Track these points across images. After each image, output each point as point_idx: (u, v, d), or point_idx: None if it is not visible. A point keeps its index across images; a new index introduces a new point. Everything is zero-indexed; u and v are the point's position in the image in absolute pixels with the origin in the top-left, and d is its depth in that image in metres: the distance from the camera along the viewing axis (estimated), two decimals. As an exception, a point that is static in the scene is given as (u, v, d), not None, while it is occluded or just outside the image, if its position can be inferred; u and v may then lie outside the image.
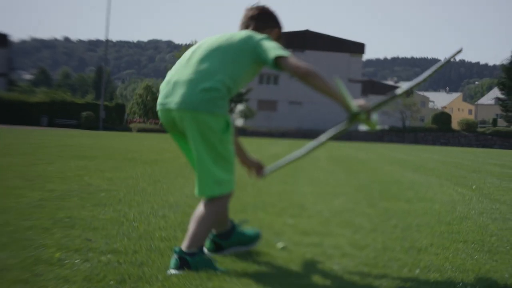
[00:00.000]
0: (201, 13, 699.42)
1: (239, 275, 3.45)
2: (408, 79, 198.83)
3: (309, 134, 58.94)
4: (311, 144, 4.09)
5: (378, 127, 4.11)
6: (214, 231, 4.03)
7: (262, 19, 3.94)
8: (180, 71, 3.68)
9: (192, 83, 3.56)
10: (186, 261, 3.46)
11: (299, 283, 3.41)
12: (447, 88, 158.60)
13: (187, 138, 3.66)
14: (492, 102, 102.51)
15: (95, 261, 3.59)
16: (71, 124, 56.23)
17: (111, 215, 5.29)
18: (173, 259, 3.50)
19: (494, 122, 69.67)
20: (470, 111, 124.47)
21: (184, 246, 3.55)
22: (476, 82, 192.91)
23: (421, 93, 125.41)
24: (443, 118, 64.22)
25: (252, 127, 61.06)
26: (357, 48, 71.27)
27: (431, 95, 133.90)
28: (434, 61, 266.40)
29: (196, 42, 63.26)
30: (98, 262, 3.57)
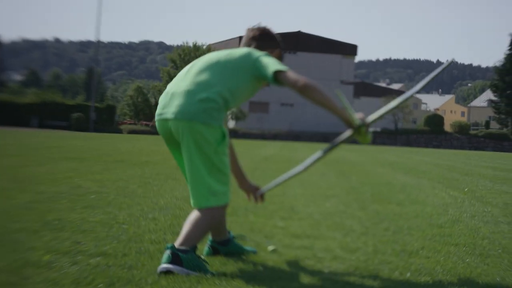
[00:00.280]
0: (193, 14, 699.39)
1: (229, 278, 3.43)
2: (400, 80, 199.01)
3: (301, 135, 58.99)
4: (308, 160, 4.10)
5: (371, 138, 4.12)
6: (212, 237, 4.06)
7: (263, 40, 4.01)
8: (178, 83, 3.72)
9: (189, 94, 3.60)
10: (178, 257, 3.46)
11: (290, 286, 3.39)
12: (440, 90, 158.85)
13: (182, 148, 3.67)
14: (485, 104, 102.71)
15: (84, 264, 3.57)
16: (61, 126, 56.05)
17: (100, 217, 5.27)
18: (166, 254, 3.49)
19: (487, 124, 69.85)
20: (462, 113, 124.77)
21: (176, 243, 3.56)
22: (469, 84, 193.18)
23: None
24: (435, 120, 64.35)
25: (244, 129, 61.04)
26: (350, 49, 71.29)
27: (423, 97, 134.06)
28: (427, 62, 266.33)
29: (187, 43, 63.30)
30: (87, 265, 3.55)
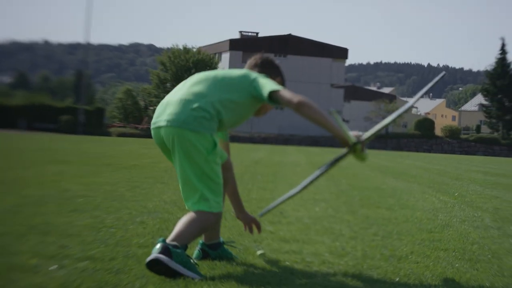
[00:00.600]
0: (183, 17, 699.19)
1: (218, 282, 3.41)
2: (391, 84, 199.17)
3: (290, 139, 59.02)
4: (305, 181, 4.10)
5: (368, 157, 4.17)
6: (203, 240, 4.09)
7: (265, 66, 4.12)
8: (174, 93, 3.82)
9: (182, 103, 3.68)
10: (168, 250, 3.47)
11: (278, 291, 3.36)
12: (431, 94, 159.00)
13: (172, 155, 3.72)
14: (476, 108, 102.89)
15: (71, 268, 3.54)
16: (49, 128, 55.83)
17: (87, 221, 5.23)
18: (156, 246, 3.50)
19: (478, 128, 69.97)
20: (453, 117, 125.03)
21: (168, 240, 3.57)
22: (460, 88, 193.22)
23: (404, 99, 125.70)
24: (426, 124, 64.44)
25: (233, 132, 61.05)
26: (340, 53, 71.32)
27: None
28: (418, 66, 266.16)
29: (177, 46, 63.21)
30: (74, 269, 3.52)
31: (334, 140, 58.67)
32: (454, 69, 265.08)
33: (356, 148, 3.72)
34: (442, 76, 4.23)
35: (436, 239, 5.21)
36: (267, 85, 3.73)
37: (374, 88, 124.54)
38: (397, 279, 3.74)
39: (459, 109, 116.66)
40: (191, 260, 3.58)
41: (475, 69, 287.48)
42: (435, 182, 12.51)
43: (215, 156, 3.68)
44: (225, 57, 68.18)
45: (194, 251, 4.10)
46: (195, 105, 3.64)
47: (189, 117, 3.61)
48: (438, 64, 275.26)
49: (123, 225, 5.12)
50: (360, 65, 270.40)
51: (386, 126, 4.03)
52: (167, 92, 58.47)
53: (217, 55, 67.57)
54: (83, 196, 6.99)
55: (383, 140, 62.42)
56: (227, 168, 4.12)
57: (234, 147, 34.80)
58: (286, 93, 3.67)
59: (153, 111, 59.34)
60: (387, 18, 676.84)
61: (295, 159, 20.72)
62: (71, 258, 3.79)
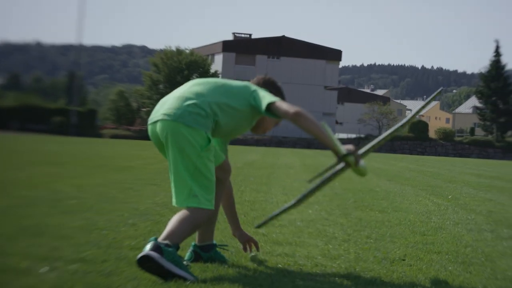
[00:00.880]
0: (176, 18, 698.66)
1: (209, 285, 3.40)
2: (385, 86, 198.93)
3: (284, 142, 59.00)
4: (301, 194, 4.15)
5: (367, 172, 4.21)
6: (195, 242, 4.10)
7: (267, 86, 4.16)
8: (173, 93, 3.89)
9: (179, 99, 3.76)
10: (159, 248, 3.47)
11: (271, 294, 3.35)
12: (425, 96, 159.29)
13: (166, 149, 3.75)
14: (470, 111, 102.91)
15: (62, 270, 3.53)
16: (41, 129, 55.68)
17: (79, 223, 5.21)
18: (147, 244, 3.50)
19: (472, 131, 69.91)
20: (447, 120, 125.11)
21: (159, 238, 3.58)
22: (454, 91, 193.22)
23: (398, 101, 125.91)
24: (420, 126, 64.39)
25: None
26: (334, 54, 71.24)
27: (408, 103, 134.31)
28: (412, 68, 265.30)
29: (170, 47, 63.11)
30: (65, 271, 3.51)
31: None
32: (448, 71, 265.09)
33: (347, 160, 3.73)
34: (439, 92, 4.25)
35: (429, 242, 5.20)
36: (267, 97, 3.81)
37: (367, 90, 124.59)
38: (390, 282, 3.73)
39: (453, 112, 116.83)
40: (182, 259, 3.58)
41: (469, 72, 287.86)
42: (429, 184, 12.51)
43: (209, 153, 3.72)
44: (218, 58, 68.15)
45: (186, 253, 4.09)
46: (192, 102, 3.72)
47: (184, 112, 3.67)
48: (432, 66, 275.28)
49: (115, 227, 5.10)
50: (354, 67, 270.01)
51: (382, 142, 4.05)
52: (160, 93, 58.34)
53: (210, 57, 67.52)
54: (75, 197, 6.97)
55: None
56: (224, 169, 4.12)
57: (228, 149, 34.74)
58: (283, 104, 3.75)
59: (146, 112, 59.29)
60: (381, 20, 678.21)
61: (288, 161, 20.72)
62: (63, 260, 3.77)
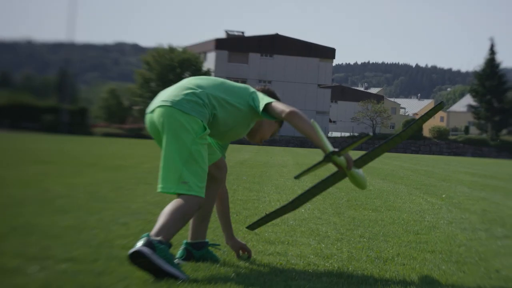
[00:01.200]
0: (169, 16, 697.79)
1: (201, 285, 3.38)
2: (379, 85, 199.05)
3: (276, 140, 58.98)
4: (295, 197, 4.20)
5: (365, 182, 4.25)
6: (188, 240, 4.10)
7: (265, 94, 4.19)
8: (172, 86, 3.95)
9: (179, 89, 3.84)
10: (151, 244, 3.45)
11: (263, 294, 3.33)
12: (419, 94, 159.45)
13: (161, 135, 3.76)
14: (465, 109, 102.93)
15: (52, 270, 3.50)
16: (32, 128, 55.49)
17: (70, 222, 5.19)
18: (139, 240, 3.49)
19: (466, 129, 69.95)
20: (441, 118, 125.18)
21: (152, 232, 3.56)
22: (448, 89, 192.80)
23: (392, 99, 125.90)
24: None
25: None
26: (327, 53, 71.10)
27: (402, 101, 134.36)
28: (406, 66, 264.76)
29: (162, 45, 62.99)
30: (55, 271, 3.48)
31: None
32: (442, 70, 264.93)
33: (334, 159, 3.80)
34: (441, 104, 4.26)
35: (423, 241, 5.19)
36: (265, 98, 3.90)
37: (361, 89, 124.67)
38: (383, 281, 3.71)
39: (448, 110, 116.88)
40: (172, 257, 3.56)
41: (464, 70, 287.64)
42: (423, 183, 12.49)
43: (204, 140, 3.74)
44: (211, 56, 68.04)
45: (178, 251, 4.07)
46: (190, 91, 3.79)
47: (182, 100, 3.73)
48: (426, 65, 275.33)
49: (106, 226, 5.07)
50: (348, 65, 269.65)
51: (378, 153, 4.10)
52: (152, 91, 58.16)
53: (202, 55, 67.41)
54: (66, 196, 6.94)
55: (370, 141, 62.40)
56: (220, 167, 4.14)
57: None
58: (280, 104, 3.85)
59: (138, 110, 59.16)
60: (375, 18, 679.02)
61: (281, 160, 20.70)
62: (53, 259, 3.75)
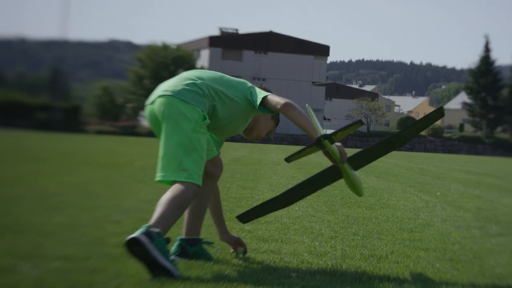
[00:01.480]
0: (162, 13, 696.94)
1: (194, 283, 3.37)
2: (373, 82, 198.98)
3: (270, 139, 58.92)
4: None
5: (360, 185, 4.25)
6: (182, 236, 4.09)
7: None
8: (173, 78, 4.00)
9: (179, 80, 3.90)
10: (150, 234, 3.43)
11: (256, 292, 3.32)
12: (413, 92, 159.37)
13: (162, 124, 3.79)
14: (459, 106, 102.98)
15: (44, 268, 3.48)
16: (25, 125, 55.29)
17: (63, 220, 5.17)
18: (139, 229, 3.48)
19: (461, 127, 69.97)
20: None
21: (150, 222, 3.55)
22: (443, 86, 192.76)
23: (386, 97, 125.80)
24: (408, 122, 64.41)
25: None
26: (322, 50, 71.01)
27: (396, 99, 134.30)
28: (400, 64, 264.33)
29: (155, 43, 62.89)
30: (47, 269, 3.47)
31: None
32: (437, 67, 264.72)
33: (325, 143, 3.79)
34: (441, 113, 4.19)
35: (417, 239, 5.18)
36: (262, 92, 3.97)
37: (356, 86, 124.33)
38: (377, 279, 3.71)
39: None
40: (169, 253, 3.55)
41: (458, 67, 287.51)
42: (417, 181, 12.48)
43: (204, 129, 3.78)
44: (205, 53, 67.94)
45: (172, 247, 4.05)
46: (191, 81, 3.84)
47: (182, 89, 3.78)
48: (421, 62, 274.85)
49: (98, 224, 5.06)
50: (342, 62, 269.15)
51: (373, 155, 4.07)
52: (145, 89, 58.09)
53: (196, 52, 67.33)
54: (58, 194, 6.92)
55: (365, 139, 62.35)
56: (215, 164, 4.15)
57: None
58: (275, 97, 3.92)
59: (131, 109, 59.07)
60: (370, 15, 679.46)
61: (275, 158, 20.67)
62: (45, 257, 3.73)
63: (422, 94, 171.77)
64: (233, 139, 56.90)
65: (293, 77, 66.94)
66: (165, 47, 61.72)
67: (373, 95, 79.19)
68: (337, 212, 6.71)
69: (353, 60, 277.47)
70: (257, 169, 13.57)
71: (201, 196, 4.05)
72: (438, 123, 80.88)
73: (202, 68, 60.06)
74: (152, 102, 3.87)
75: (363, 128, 65.38)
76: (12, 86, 56.29)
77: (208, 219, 5.38)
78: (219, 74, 4.04)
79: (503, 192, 10.83)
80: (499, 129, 65.74)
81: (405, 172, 15.70)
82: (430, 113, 4.11)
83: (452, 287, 3.65)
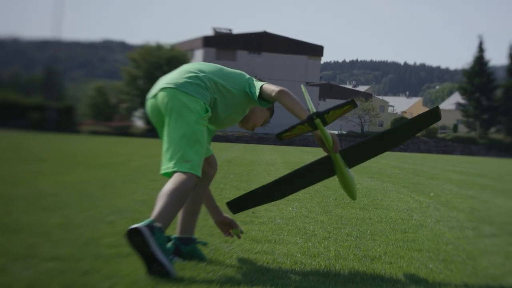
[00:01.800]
0: (156, 13, 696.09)
1: (187, 283, 3.37)
2: (367, 82, 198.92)
3: (264, 138, 58.99)
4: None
5: (353, 183, 4.27)
6: (176, 234, 4.09)
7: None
8: (174, 71, 4.05)
9: (181, 73, 3.93)
10: (153, 228, 3.44)
11: (250, 293, 3.33)
12: (407, 92, 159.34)
13: (165, 116, 3.81)
14: (453, 107, 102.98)
15: (38, 268, 3.48)
16: (19, 125, 55.16)
17: (57, 220, 5.16)
18: (143, 222, 3.48)
19: (455, 127, 69.99)
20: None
21: (152, 217, 3.55)
22: (437, 87, 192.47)
23: (380, 97, 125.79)
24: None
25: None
26: (315, 50, 71.02)
27: (390, 99, 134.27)
28: (394, 64, 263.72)
29: (148, 43, 62.78)
30: (41, 269, 3.46)
31: (309, 139, 58.67)
32: (431, 67, 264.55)
33: (316, 122, 3.74)
34: (437, 115, 4.16)
35: (410, 240, 5.19)
36: (259, 82, 4.01)
37: (349, 87, 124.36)
38: (370, 280, 3.71)
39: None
40: (170, 251, 3.58)
41: (452, 68, 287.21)
42: (410, 182, 12.47)
43: (205, 122, 3.82)
44: (199, 54, 67.90)
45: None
46: (193, 74, 3.89)
47: (185, 82, 3.83)
48: (415, 62, 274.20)
49: (92, 224, 5.05)
50: (336, 63, 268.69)
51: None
52: (139, 89, 58.02)
53: (190, 52, 67.26)
54: (53, 194, 6.90)
55: (358, 140, 62.35)
56: (210, 163, 4.19)
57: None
58: (270, 85, 3.96)
59: (125, 109, 58.97)
60: (364, 16, 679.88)
61: (269, 158, 20.67)
62: (39, 258, 3.72)
63: (416, 95, 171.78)
64: (226, 140, 56.91)
65: (286, 77, 66.89)
66: (159, 47, 61.65)
67: (367, 96, 79.17)
68: (330, 213, 6.71)
69: (347, 60, 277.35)
70: (250, 170, 13.56)
71: (195, 194, 4.07)
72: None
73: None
74: (154, 96, 3.89)
75: (357, 129, 65.47)
76: (5, 86, 56.07)
77: (200, 220, 5.39)
78: (219, 66, 4.08)
79: (496, 193, 10.85)
80: (493, 129, 65.78)
81: (399, 173, 15.69)
82: (426, 112, 4.09)
83: (445, 287, 3.66)
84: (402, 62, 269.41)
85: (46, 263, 3.60)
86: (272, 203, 7.21)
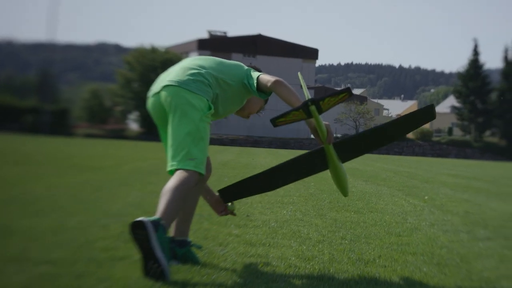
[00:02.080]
0: (151, 16, 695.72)
1: (181, 286, 3.37)
2: (362, 85, 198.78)
3: (259, 141, 58.98)
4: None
5: (346, 179, 4.30)
6: (172, 236, 4.08)
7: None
8: (173, 67, 4.07)
9: (183, 69, 3.94)
10: (158, 225, 3.44)
11: (244, 297, 3.31)
12: (402, 95, 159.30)
13: (169, 114, 3.82)
14: (448, 110, 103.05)
15: (31, 272, 3.47)
16: (13, 128, 55.05)
17: (50, 224, 5.14)
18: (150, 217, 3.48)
19: (450, 131, 70.05)
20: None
21: (156, 215, 3.55)
22: (432, 90, 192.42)
23: (375, 100, 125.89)
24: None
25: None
26: (310, 53, 71.05)
27: (385, 102, 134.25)
28: (389, 67, 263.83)
29: (143, 45, 62.75)
30: (34, 273, 3.45)
31: (304, 142, 58.72)
32: (426, 71, 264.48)
33: (311, 109, 3.70)
34: (431, 109, 4.20)
35: (405, 243, 5.18)
36: (255, 73, 4.04)
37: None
38: (364, 283, 3.71)
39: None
40: (170, 250, 3.63)
41: (447, 71, 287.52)
42: (405, 185, 12.47)
43: (209, 119, 3.85)
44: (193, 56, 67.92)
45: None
46: (195, 71, 3.90)
47: (188, 80, 3.84)
48: (410, 66, 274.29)
49: (85, 228, 5.03)
50: (331, 66, 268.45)
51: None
52: (134, 92, 57.96)
53: (185, 55, 67.23)
54: (46, 198, 6.88)
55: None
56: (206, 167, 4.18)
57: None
58: (265, 75, 4.00)
59: (120, 112, 58.94)
60: (359, 18, 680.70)
61: (263, 161, 20.66)
62: (32, 261, 3.71)
63: (410, 98, 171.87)
64: (221, 143, 56.87)
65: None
66: (154, 50, 61.66)
67: (362, 99, 79.20)
68: (325, 216, 6.70)
69: (342, 63, 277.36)
70: (244, 173, 13.55)
71: (190, 196, 4.06)
72: (427, 126, 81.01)
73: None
74: (157, 93, 3.90)
75: (351, 132, 65.44)
76: (0, 89, 55.94)
77: (194, 224, 5.38)
78: (218, 59, 4.10)
79: (491, 196, 10.86)
80: (487, 133, 65.85)
81: (393, 176, 15.70)
82: (421, 109, 4.09)
83: (439, 291, 3.66)
84: (397, 65, 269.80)
85: (39, 267, 3.59)
86: (267, 207, 7.21)
